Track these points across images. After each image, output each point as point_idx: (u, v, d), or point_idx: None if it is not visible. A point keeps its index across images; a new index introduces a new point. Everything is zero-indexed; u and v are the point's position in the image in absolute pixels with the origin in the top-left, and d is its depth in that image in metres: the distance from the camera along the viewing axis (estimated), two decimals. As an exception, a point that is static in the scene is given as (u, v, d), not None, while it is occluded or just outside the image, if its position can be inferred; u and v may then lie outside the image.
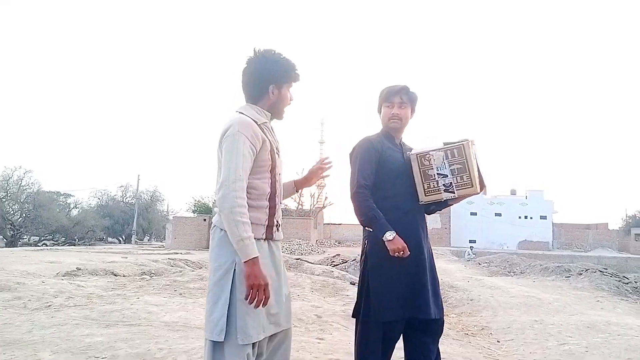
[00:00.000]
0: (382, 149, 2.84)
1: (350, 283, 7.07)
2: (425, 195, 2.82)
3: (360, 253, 2.94)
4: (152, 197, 54.54)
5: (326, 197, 44.88)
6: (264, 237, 2.20)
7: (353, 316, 2.86)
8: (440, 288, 8.77)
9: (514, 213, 54.59)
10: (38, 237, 40.98)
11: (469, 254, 29.97)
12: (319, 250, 36.20)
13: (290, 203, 44.37)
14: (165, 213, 56.63)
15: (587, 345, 4.95)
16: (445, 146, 2.77)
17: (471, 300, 7.90)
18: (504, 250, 43.41)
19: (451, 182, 2.77)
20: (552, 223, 54.11)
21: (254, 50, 2.29)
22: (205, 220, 38.42)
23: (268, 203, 2.23)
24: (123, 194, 52.93)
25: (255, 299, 2.00)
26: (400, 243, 2.63)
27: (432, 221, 53.39)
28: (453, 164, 2.75)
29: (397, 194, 2.80)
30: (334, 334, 4.58)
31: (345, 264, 14.54)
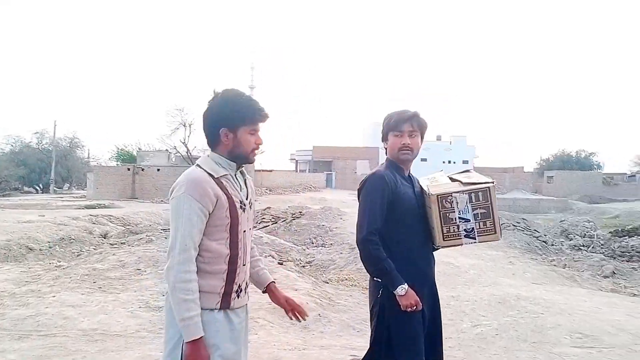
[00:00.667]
0: (395, 186, 2.56)
1: (278, 263, 7.08)
2: (444, 240, 2.57)
3: (369, 297, 2.70)
4: (70, 143, 51.64)
5: (256, 145, 44.47)
6: (218, 307, 2.01)
7: None
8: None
9: (438, 158, 56.67)
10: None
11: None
12: (249, 198, 36.02)
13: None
14: (86, 160, 54.04)
15: (497, 326, 5.29)
16: (469, 188, 2.53)
17: (394, 270, 8.20)
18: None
19: (473, 228, 2.53)
20: (474, 167, 56.70)
21: (213, 92, 2.11)
22: (129, 169, 37.04)
23: (226, 267, 2.03)
24: (39, 141, 49.72)
25: None
26: (413, 298, 2.44)
27: (362, 167, 54.51)
28: (477, 208, 2.51)
29: (410, 237, 2.56)
30: (259, 333, 4.60)
31: (275, 224, 14.55)
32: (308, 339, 4.59)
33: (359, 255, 2.64)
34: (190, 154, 42.00)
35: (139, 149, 43.92)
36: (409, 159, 2.67)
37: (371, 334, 2.67)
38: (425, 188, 2.65)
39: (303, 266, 9.50)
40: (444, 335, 5.11)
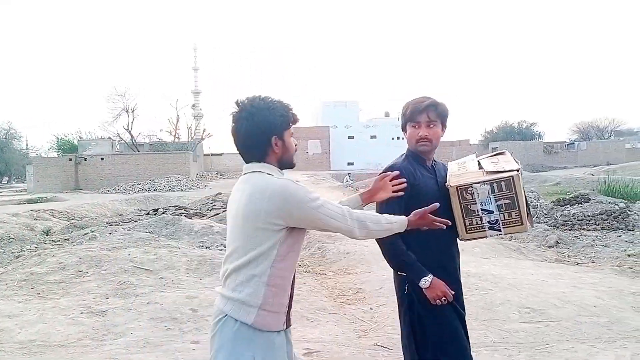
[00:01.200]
0: (414, 178, 2.45)
1: (228, 254, 6.92)
2: (467, 233, 2.45)
3: (396, 294, 2.60)
4: (6, 135, 48.99)
5: (204, 129, 43.64)
6: (284, 327, 1.96)
7: None
8: (322, 239, 8.74)
9: (388, 135, 57.31)
10: None
11: (347, 180, 31.17)
12: (199, 184, 35.42)
13: (166, 136, 42.49)
14: (24, 152, 51.53)
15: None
16: (491, 177, 2.36)
17: (347, 253, 8.20)
18: (379, 170, 45.28)
19: (497, 219, 2.38)
20: (422, 143, 57.68)
21: (239, 103, 2.03)
22: (71, 160, 35.58)
23: (290, 284, 2.01)
24: (-29, 133, 46.93)
25: None
26: (440, 288, 2.34)
27: (313, 147, 54.46)
28: (500, 199, 2.35)
29: (433, 231, 2.34)
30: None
31: (226, 210, 14.27)
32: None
33: (380, 251, 2.52)
34: (135, 141, 40.74)
35: (80, 137, 42.26)
36: (427, 150, 2.55)
37: (401, 333, 2.60)
38: (449, 177, 2.52)
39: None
40: (397, 317, 5.16)
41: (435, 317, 2.41)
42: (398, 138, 56.89)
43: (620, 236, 9.73)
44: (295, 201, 1.87)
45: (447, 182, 2.46)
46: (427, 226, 2.26)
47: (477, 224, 2.42)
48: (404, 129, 2.63)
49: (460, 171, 2.56)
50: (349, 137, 57.25)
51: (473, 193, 2.37)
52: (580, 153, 54.18)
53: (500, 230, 2.42)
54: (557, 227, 10.80)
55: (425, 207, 2.23)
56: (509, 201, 2.35)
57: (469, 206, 2.40)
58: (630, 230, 10.04)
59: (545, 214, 12.60)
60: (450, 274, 2.52)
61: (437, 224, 2.25)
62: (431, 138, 2.51)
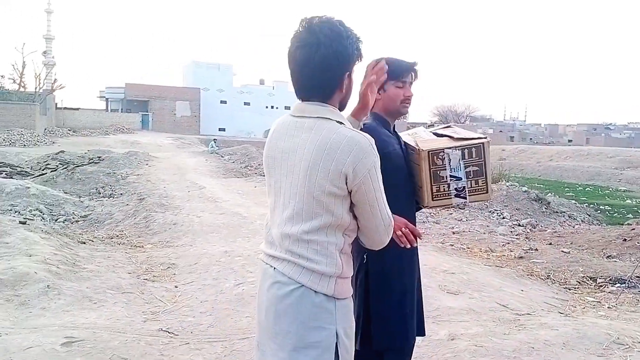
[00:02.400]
0: (385, 143, 2.23)
1: (20, 222, 5.92)
2: (433, 200, 2.32)
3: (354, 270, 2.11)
4: None
5: (56, 79, 39.30)
6: (353, 290, 1.81)
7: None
8: (152, 208, 8.01)
9: (262, 103, 56.62)
10: None
11: (212, 146, 30.04)
12: (46, 141, 32.05)
13: (9, 84, 37.64)
14: None
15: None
16: (462, 143, 2.30)
17: (174, 224, 7.56)
18: (251, 138, 44.73)
19: (464, 187, 2.31)
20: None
21: (312, 24, 1.65)
22: None
23: None
24: None
25: None
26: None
27: (182, 109, 51.98)
28: (469, 166, 2.30)
29: (399, 198, 2.19)
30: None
31: (55, 171, 12.76)
32: (20, 320, 3.76)
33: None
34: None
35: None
36: (407, 113, 2.43)
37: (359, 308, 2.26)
38: (412, 143, 2.37)
39: (77, 221, 8.38)
40: (202, 297, 4.70)
41: (386, 293, 2.22)
42: (272, 107, 56.46)
43: (451, 214, 10.20)
44: (366, 168, 1.62)
45: (417, 147, 2.32)
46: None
47: (444, 190, 2.34)
48: (381, 87, 2.31)
49: (424, 137, 2.48)
50: (222, 102, 55.57)
51: (444, 158, 2.30)
52: (438, 134, 58.02)
53: (465, 198, 2.37)
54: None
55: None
56: (477, 168, 2.32)
57: (438, 172, 2.31)
58: (461, 209, 10.57)
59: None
60: (417, 256, 2.43)
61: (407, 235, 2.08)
62: (411, 100, 2.40)
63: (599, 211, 14.71)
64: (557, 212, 11.07)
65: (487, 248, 7.56)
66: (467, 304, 4.83)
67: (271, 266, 1.72)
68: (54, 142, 31.68)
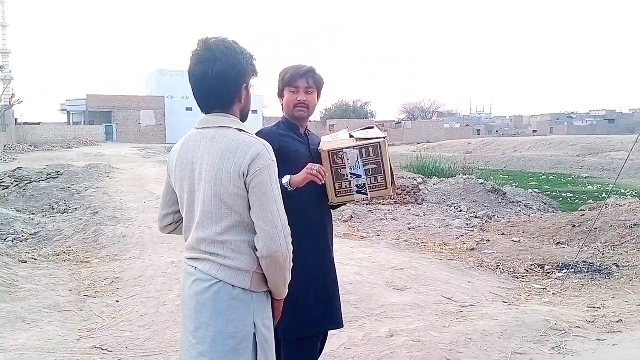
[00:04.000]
0: (284, 143, 2.44)
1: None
2: (336, 196, 2.52)
3: None
4: None
5: (13, 94, 38.12)
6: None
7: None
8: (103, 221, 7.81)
9: (226, 108, 56.07)
10: None
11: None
12: (6, 157, 31.16)
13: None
14: None
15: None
16: (359, 143, 2.45)
17: (124, 237, 7.40)
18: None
19: (364, 183, 2.49)
20: (263, 117, 57.67)
21: (209, 42, 1.83)
22: None
23: None
24: None
25: None
26: (300, 175, 2.29)
27: (146, 118, 51.22)
28: (367, 164, 2.47)
29: (302, 193, 2.35)
30: None
31: (6, 189, 12.39)
32: (-58, 347, 3.60)
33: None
34: None
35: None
36: (303, 116, 2.56)
37: None
38: (320, 144, 2.59)
39: (25, 239, 8.13)
40: (142, 311, 4.59)
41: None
42: (237, 112, 56.10)
43: (409, 209, 10.27)
44: (259, 166, 1.75)
45: (320, 147, 2.52)
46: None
47: (345, 187, 2.50)
48: (280, 94, 2.60)
49: (333, 139, 2.67)
50: (187, 109, 54.71)
51: (343, 157, 2.46)
52: (406, 131, 58.67)
53: (366, 194, 2.53)
54: (355, 202, 11.11)
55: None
56: (375, 166, 2.47)
57: (339, 170, 2.48)
58: (419, 204, 10.67)
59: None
60: (322, 241, 2.55)
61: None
62: (308, 104, 2.54)
63: (560, 199, 15.05)
64: (513, 202, 11.26)
65: (441, 242, 7.64)
66: (412, 299, 4.85)
67: (192, 266, 1.86)
68: (13, 159, 30.82)
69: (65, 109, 53.35)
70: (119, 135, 48.55)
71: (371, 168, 2.47)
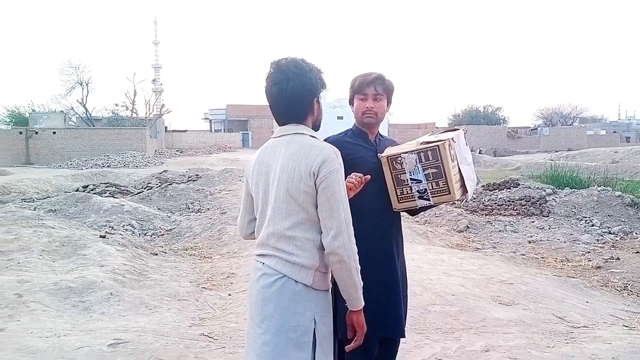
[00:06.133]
0: (350, 150, 2.46)
1: (100, 236, 6.57)
2: (399, 202, 2.51)
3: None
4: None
5: (163, 104, 42.56)
6: (331, 285, 2.07)
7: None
8: (227, 221, 8.32)
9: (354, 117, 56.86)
10: None
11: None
12: (156, 161, 34.72)
13: (123, 111, 41.41)
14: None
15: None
16: (419, 148, 2.42)
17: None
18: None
19: (425, 189, 2.45)
20: (388, 124, 57.64)
21: (281, 65, 2.02)
22: (21, 133, 34.35)
23: None
24: None
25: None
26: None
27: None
28: (427, 168, 2.42)
29: (367, 200, 2.40)
30: (22, 319, 4.12)
31: (150, 190, 13.84)
32: (81, 323, 4.19)
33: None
34: (89, 115, 39.54)
35: (32, 110, 40.73)
36: (372, 123, 2.58)
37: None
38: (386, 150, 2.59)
39: (162, 235, 9.06)
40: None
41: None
42: (364, 119, 56.63)
43: (533, 222, 9.65)
44: (329, 169, 1.90)
45: (380, 154, 2.52)
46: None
47: (407, 193, 2.48)
48: (351, 102, 2.65)
49: (406, 144, 2.64)
50: (338, 118, 56.72)
51: (402, 162, 2.43)
52: (543, 138, 54.80)
53: (429, 200, 2.47)
54: (475, 212, 10.70)
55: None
56: (436, 170, 2.41)
57: (399, 176, 2.46)
58: (545, 216, 9.97)
59: (474, 199, 12.52)
60: (392, 255, 2.54)
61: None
62: (377, 111, 2.54)
63: None
64: (657, 218, 10.02)
65: (564, 257, 7.10)
66: (518, 315, 4.60)
67: (261, 262, 2.01)
68: (162, 163, 34.27)
69: (208, 118, 58.08)
70: (254, 142, 51.62)
71: (432, 173, 2.42)
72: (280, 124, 2.08)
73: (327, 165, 1.90)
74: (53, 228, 6.78)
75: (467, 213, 10.33)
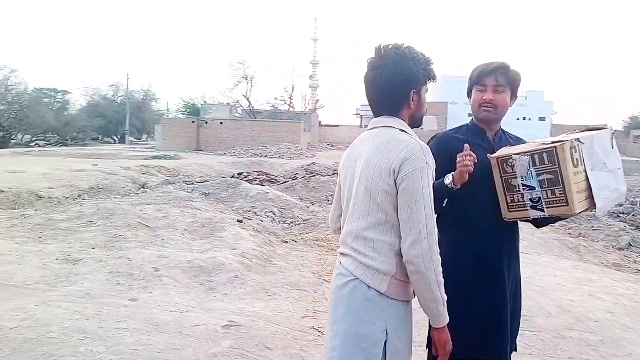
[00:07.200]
0: (458, 147, 2.14)
1: (237, 220, 6.94)
2: (509, 211, 2.18)
3: None
4: (145, 96, 53.96)
5: (318, 99, 44.26)
6: (413, 296, 1.84)
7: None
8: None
9: (512, 114, 53.22)
10: (30, 137, 41.27)
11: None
12: (307, 154, 36.20)
13: (281, 105, 43.84)
14: (161, 112, 56.43)
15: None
16: (533, 148, 2.08)
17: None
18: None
19: (539, 197, 2.08)
20: (551, 124, 53.28)
21: (381, 50, 1.88)
22: (193, 122, 38.16)
23: None
24: (114, 93, 52.42)
25: None
26: (457, 171, 2.06)
27: (429, 123, 52.76)
28: (542, 173, 2.05)
29: (474, 206, 2.20)
30: (154, 292, 4.50)
31: (295, 180, 14.40)
32: (204, 302, 4.45)
33: None
34: (252, 107, 42.54)
35: (204, 101, 45.02)
36: (489, 118, 2.29)
37: None
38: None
39: (299, 224, 9.35)
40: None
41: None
42: (524, 118, 53.07)
43: None
44: (411, 167, 1.71)
45: (488, 155, 2.21)
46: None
47: (518, 201, 2.15)
48: (469, 94, 2.38)
49: (526, 144, 2.29)
50: (469, 115, 54.40)
51: (513, 165, 2.11)
52: None
53: (543, 210, 2.10)
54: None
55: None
56: (552, 176, 2.04)
57: (509, 180, 2.15)
58: None
59: (643, 212, 10.96)
60: (501, 271, 2.22)
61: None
62: (497, 103, 2.25)
63: None
64: None
65: None
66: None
67: (339, 261, 1.91)
68: (313, 155, 35.67)
69: (359, 114, 59.01)
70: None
71: (547, 179, 2.04)
72: (375, 114, 1.93)
73: (410, 163, 1.71)
74: (199, 210, 7.34)
75: (631, 228, 9.05)
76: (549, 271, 5.99)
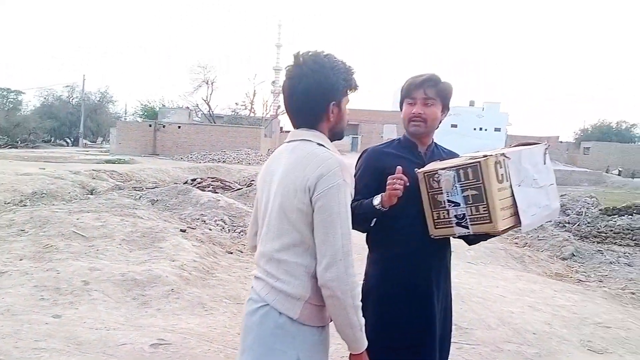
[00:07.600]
0: (388, 163, 2.11)
1: (181, 230, 6.71)
2: (435, 228, 2.09)
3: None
4: (101, 98, 52.51)
5: (279, 106, 44.00)
6: (328, 321, 1.74)
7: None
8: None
9: (469, 125, 54.85)
10: (-24, 140, 39.50)
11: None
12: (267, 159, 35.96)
13: (242, 110, 43.49)
14: (118, 115, 55.01)
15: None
16: (457, 163, 2.01)
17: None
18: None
19: (464, 214, 2.00)
20: (506, 135, 54.70)
21: (299, 58, 1.75)
22: (150, 125, 37.34)
23: None
24: (69, 95, 50.79)
25: None
26: (388, 194, 1.95)
27: (389, 131, 53.35)
28: (467, 189, 1.97)
29: (405, 224, 2.12)
30: (80, 308, 4.25)
31: (249, 187, 14.21)
32: (134, 318, 4.23)
33: None
34: (212, 112, 41.97)
35: (163, 105, 44.18)
36: (419, 132, 2.21)
37: None
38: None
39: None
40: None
41: (382, 315, 2.10)
42: (480, 129, 54.34)
43: (659, 255, 8.39)
44: (328, 184, 1.59)
45: (416, 170, 2.12)
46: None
47: (444, 217, 2.06)
48: (401, 107, 2.29)
49: (455, 158, 2.22)
50: (452, 126, 55.43)
51: (439, 180, 2.03)
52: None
53: (468, 228, 2.01)
54: (586, 238, 9.57)
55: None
56: (476, 192, 1.96)
57: (436, 196, 2.06)
58: (672, 250, 8.63)
59: (588, 223, 11.26)
60: (430, 290, 2.13)
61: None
62: (426, 117, 2.18)
63: None
64: None
65: (687, 303, 6.01)
66: (609, 368, 3.90)
67: (252, 285, 1.80)
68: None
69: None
70: (362, 146, 51.68)
71: (471, 195, 1.96)
72: (294, 126, 1.82)
73: (326, 180, 1.59)
74: (140, 218, 7.07)
75: (575, 238, 9.28)
76: (492, 282, 6.03)
